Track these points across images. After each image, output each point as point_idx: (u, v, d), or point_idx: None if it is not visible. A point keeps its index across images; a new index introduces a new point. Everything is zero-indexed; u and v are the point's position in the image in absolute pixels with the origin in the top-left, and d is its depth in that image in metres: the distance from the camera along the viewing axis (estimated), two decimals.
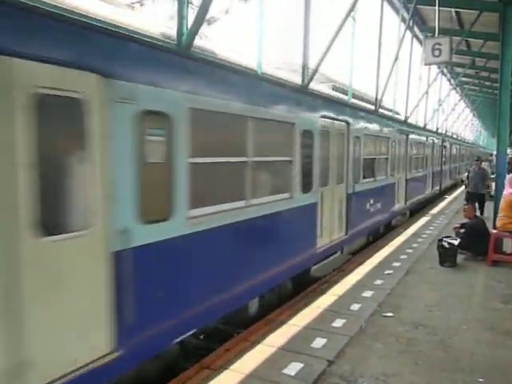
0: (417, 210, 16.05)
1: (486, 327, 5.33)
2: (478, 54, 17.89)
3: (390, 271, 7.72)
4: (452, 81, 26.92)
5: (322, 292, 6.74)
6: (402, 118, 15.78)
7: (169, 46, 4.46)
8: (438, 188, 21.11)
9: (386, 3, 13.85)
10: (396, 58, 13.61)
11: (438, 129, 24.89)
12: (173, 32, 4.66)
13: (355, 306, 5.95)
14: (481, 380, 4.08)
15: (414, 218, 14.26)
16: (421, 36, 17.65)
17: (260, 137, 5.65)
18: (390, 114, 14.56)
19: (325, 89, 9.15)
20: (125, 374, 3.80)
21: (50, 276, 3.09)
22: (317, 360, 4.41)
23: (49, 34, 3.12)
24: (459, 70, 22.88)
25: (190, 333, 4.56)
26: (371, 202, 10.43)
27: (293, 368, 4.23)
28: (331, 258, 8.22)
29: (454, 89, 28.59)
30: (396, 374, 4.18)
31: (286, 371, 4.18)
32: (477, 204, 12.98)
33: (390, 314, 5.69)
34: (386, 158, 11.96)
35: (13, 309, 2.83)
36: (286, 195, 6.42)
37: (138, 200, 3.73)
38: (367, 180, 10.16)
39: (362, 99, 11.77)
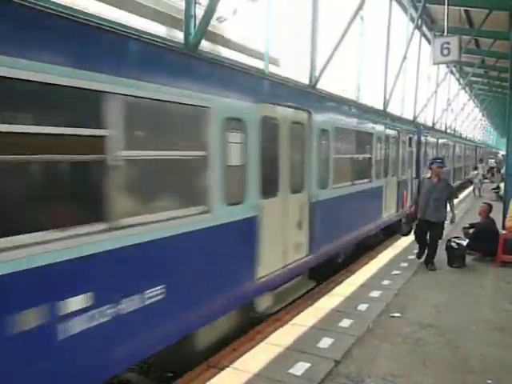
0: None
1: (495, 328, 5.28)
2: (488, 53, 17.71)
3: (398, 271, 7.68)
4: (461, 80, 26.71)
5: (329, 292, 6.73)
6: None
7: (176, 45, 4.47)
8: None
9: (394, 2, 13.79)
10: (404, 58, 13.54)
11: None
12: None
13: (362, 307, 5.92)
14: (489, 381, 4.04)
15: None
16: (429, 35, 17.54)
17: (362, 143, 9.57)
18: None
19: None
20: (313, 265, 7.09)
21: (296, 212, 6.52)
22: (323, 360, 4.40)
23: (298, 99, 6.70)
24: (468, 69, 22.71)
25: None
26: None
27: (299, 368, 4.23)
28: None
29: (463, 88, 28.37)
30: (403, 375, 4.15)
31: (292, 371, 4.18)
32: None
33: (398, 315, 5.66)
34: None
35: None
36: (367, 180, 9.63)
37: (319, 176, 7.01)
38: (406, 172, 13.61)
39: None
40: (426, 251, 8.05)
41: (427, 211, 7.78)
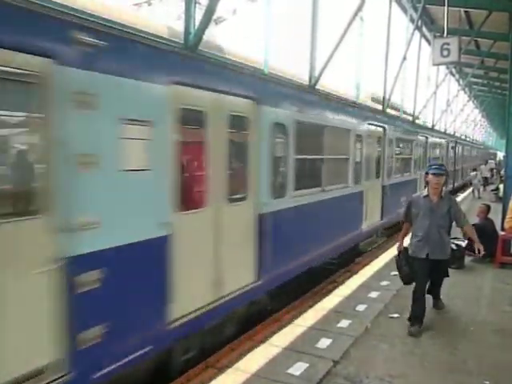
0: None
1: (494, 329, 5.27)
2: (487, 54, 17.72)
3: (397, 272, 7.65)
4: (461, 81, 26.72)
5: (328, 293, 6.72)
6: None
7: (176, 45, 4.47)
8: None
9: (394, 3, 13.79)
10: (404, 58, 13.56)
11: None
12: None
13: (361, 307, 5.92)
14: (487, 383, 4.03)
15: None
16: (429, 36, 17.56)
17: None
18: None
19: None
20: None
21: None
22: (322, 360, 4.39)
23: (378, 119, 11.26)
24: (468, 70, 22.72)
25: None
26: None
27: (298, 368, 4.22)
28: None
29: (463, 89, 28.39)
30: (401, 376, 4.15)
31: (290, 371, 4.17)
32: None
33: (396, 315, 5.66)
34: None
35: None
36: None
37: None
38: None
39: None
40: (430, 293, 5.86)
41: (429, 246, 5.18)
